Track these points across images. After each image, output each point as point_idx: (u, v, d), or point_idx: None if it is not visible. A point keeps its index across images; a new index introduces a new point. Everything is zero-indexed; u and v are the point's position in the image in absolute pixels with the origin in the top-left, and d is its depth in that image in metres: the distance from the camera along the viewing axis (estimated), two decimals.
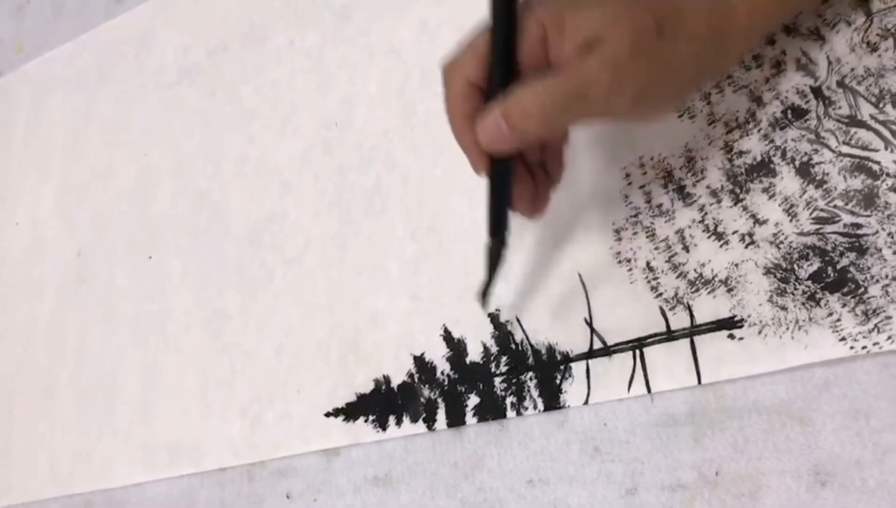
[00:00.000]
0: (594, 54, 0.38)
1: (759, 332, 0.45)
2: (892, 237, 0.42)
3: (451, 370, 0.54)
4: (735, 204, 0.47)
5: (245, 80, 0.71)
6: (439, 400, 0.54)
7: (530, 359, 0.51)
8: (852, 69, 0.45)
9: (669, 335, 0.47)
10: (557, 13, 0.39)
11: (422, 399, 0.54)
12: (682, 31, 0.39)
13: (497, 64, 0.40)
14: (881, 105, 0.44)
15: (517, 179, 0.45)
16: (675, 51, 0.39)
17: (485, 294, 0.49)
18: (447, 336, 0.55)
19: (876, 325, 0.42)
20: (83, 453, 0.68)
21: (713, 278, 0.47)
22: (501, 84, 0.40)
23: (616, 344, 0.48)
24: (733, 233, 0.47)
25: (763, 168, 0.47)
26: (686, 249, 0.48)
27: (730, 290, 0.46)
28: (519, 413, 0.51)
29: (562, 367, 0.50)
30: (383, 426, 0.55)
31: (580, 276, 0.51)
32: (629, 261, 0.49)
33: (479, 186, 0.56)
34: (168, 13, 0.78)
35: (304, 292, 0.62)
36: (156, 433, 0.65)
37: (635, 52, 0.38)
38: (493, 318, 0.53)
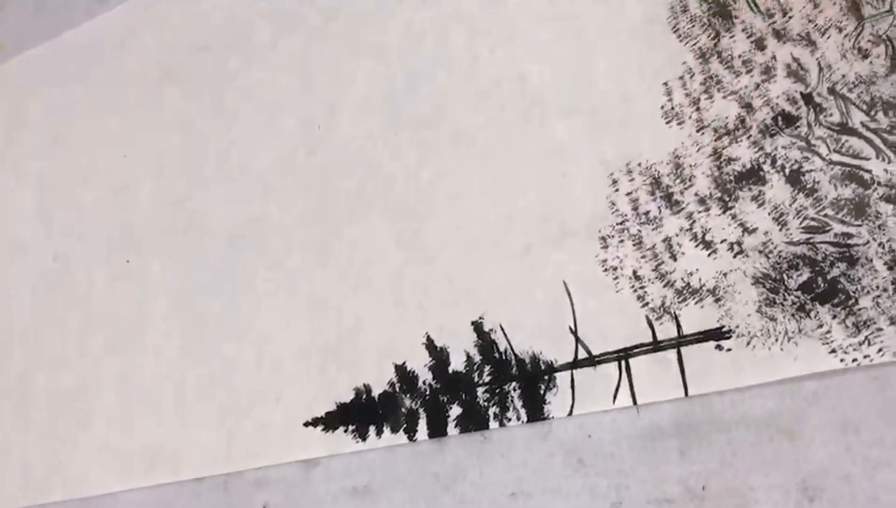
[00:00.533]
0: None
1: (748, 343, 0.44)
2: (884, 248, 0.41)
3: (434, 379, 0.53)
4: (724, 212, 0.46)
5: (227, 80, 0.69)
6: (421, 410, 0.52)
7: (514, 369, 0.50)
8: (843, 76, 0.45)
9: (656, 346, 0.46)
10: None
11: (403, 409, 0.53)
12: None
13: None
14: (873, 112, 0.43)
15: None
16: None
17: None
18: (430, 345, 0.53)
19: (867, 337, 0.41)
20: (57, 461, 0.67)
21: (701, 288, 0.46)
22: None
23: (601, 354, 0.47)
24: (722, 242, 0.46)
25: (752, 176, 0.46)
26: (673, 257, 0.47)
27: (718, 300, 0.45)
28: (502, 424, 0.49)
29: (546, 377, 0.49)
30: (363, 436, 0.54)
31: (565, 284, 0.50)
32: (615, 269, 0.48)
33: (465, 192, 0.55)
34: (150, 12, 0.77)
35: (285, 297, 0.60)
36: (132, 442, 0.63)
37: None
38: (477, 326, 0.52)
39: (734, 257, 0.45)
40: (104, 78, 0.78)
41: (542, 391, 0.49)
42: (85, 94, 0.79)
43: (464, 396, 0.51)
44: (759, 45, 0.47)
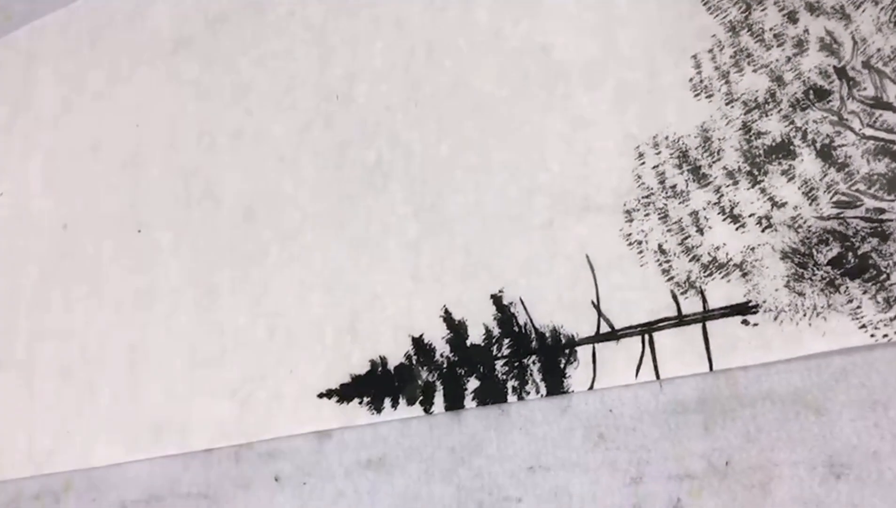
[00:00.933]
0: None
1: (775, 318, 0.43)
2: None
3: (451, 352, 0.52)
4: (752, 186, 0.45)
5: (244, 51, 0.68)
6: (438, 383, 0.52)
7: (534, 342, 0.49)
8: (878, 49, 0.44)
9: (681, 320, 0.45)
10: None
11: (419, 381, 0.52)
12: None
13: None
14: None
15: None
16: None
17: None
18: (447, 318, 0.53)
19: None
20: (63, 431, 0.66)
21: (727, 262, 0.45)
22: None
23: (624, 328, 0.47)
24: (750, 216, 0.45)
25: (782, 150, 0.45)
26: (700, 231, 0.46)
27: (745, 274, 0.44)
28: (520, 398, 0.49)
29: (566, 351, 0.48)
30: (378, 408, 0.53)
31: (588, 257, 0.49)
32: (640, 243, 0.48)
33: (483, 164, 0.54)
34: None
35: (300, 270, 0.60)
36: (140, 412, 0.63)
37: None
38: (497, 299, 0.51)
39: (762, 231, 0.44)
40: (116, 47, 0.77)
41: (562, 365, 0.48)
42: (96, 63, 0.78)
43: (482, 369, 0.51)
44: (792, 18, 0.47)
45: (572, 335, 0.48)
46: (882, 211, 0.42)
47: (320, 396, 0.55)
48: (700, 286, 0.45)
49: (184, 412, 0.61)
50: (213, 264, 0.64)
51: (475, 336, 0.51)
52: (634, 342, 0.46)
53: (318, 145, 0.62)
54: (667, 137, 0.48)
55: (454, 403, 0.51)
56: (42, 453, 0.67)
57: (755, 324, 0.43)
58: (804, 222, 0.44)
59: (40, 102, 0.80)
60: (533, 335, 0.50)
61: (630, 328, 0.47)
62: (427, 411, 0.51)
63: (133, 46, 0.76)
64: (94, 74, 0.77)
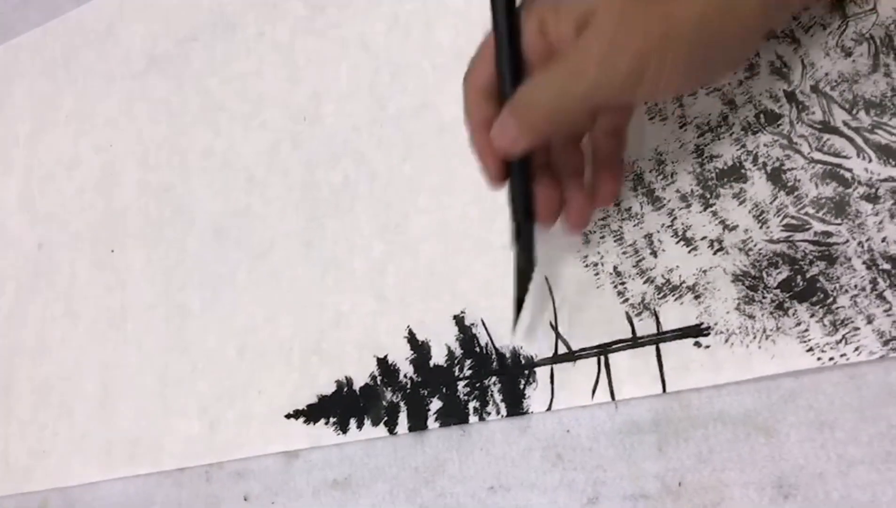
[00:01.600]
0: (586, 29, 0.36)
1: (726, 340, 0.44)
2: (862, 247, 0.42)
3: (415, 372, 0.53)
4: (705, 209, 0.46)
5: (213, 71, 0.69)
6: (401, 403, 0.52)
7: (494, 363, 0.50)
8: (826, 74, 0.45)
9: (635, 342, 0.46)
10: (551, 1, 0.38)
11: (384, 402, 0.53)
12: None
13: (502, 64, 0.39)
14: (854, 111, 0.43)
15: (541, 189, 0.43)
16: (671, 10, 0.35)
17: (518, 306, 0.47)
18: (411, 338, 0.53)
19: (844, 336, 0.41)
20: (39, 450, 0.67)
21: (681, 285, 0.46)
22: (510, 83, 0.39)
23: (581, 350, 0.47)
24: (702, 239, 0.46)
25: (734, 173, 0.46)
26: (654, 254, 0.47)
27: (697, 297, 0.45)
28: (482, 418, 0.49)
29: (526, 372, 0.49)
30: (344, 428, 0.54)
31: (546, 279, 0.50)
32: (596, 265, 0.48)
33: (447, 185, 0.55)
34: (137, 1, 0.76)
35: (269, 289, 0.60)
36: (114, 431, 0.63)
37: (625, 17, 0.35)
38: (459, 320, 0.52)
39: (714, 253, 0.45)
40: (90, 67, 0.78)
41: (521, 386, 0.49)
42: (70, 82, 0.78)
43: (444, 390, 0.51)
44: None
45: (532, 357, 0.49)
46: (829, 234, 0.43)
47: (288, 416, 0.56)
48: (654, 308, 0.46)
49: (156, 431, 0.61)
50: (184, 283, 0.64)
51: (438, 357, 0.52)
52: (591, 364, 0.47)
53: (286, 165, 0.62)
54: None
55: (417, 424, 0.51)
56: (18, 471, 0.67)
57: (707, 346, 0.44)
58: (754, 245, 0.44)
59: (15, 121, 0.81)
60: (494, 356, 0.50)
61: (587, 349, 0.47)
62: (391, 431, 0.52)
63: (106, 66, 0.76)
64: (68, 94, 0.78)
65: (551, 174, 0.44)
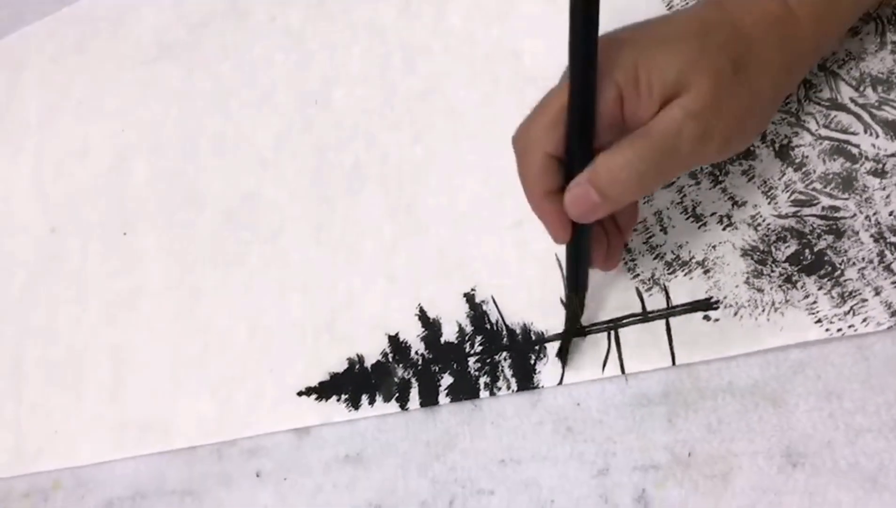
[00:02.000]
0: (676, 108, 0.36)
1: (735, 314, 0.44)
2: (870, 221, 0.42)
3: (426, 349, 0.53)
4: (714, 186, 0.47)
5: (225, 56, 0.70)
6: (413, 380, 0.53)
7: (505, 339, 0.51)
8: (834, 53, 0.45)
9: (645, 316, 0.47)
10: (631, 70, 0.37)
11: (395, 379, 0.54)
12: (756, 63, 0.38)
13: (576, 133, 0.38)
14: (861, 88, 0.44)
15: (594, 239, 0.43)
16: (751, 85, 0.38)
17: (566, 350, 0.48)
18: (422, 316, 0.54)
19: (851, 307, 0.42)
20: (51, 430, 0.67)
21: (690, 260, 0.46)
22: (582, 153, 0.38)
23: (591, 325, 0.48)
24: (711, 215, 0.46)
25: (743, 150, 0.46)
26: (664, 230, 0.48)
27: (706, 271, 0.46)
28: (492, 393, 0.50)
29: (536, 347, 0.50)
30: (356, 405, 0.54)
31: (557, 257, 0.50)
32: None
33: (457, 166, 0.55)
34: None
35: (280, 271, 0.61)
36: (125, 411, 0.64)
37: (716, 96, 0.36)
38: (469, 298, 0.53)
39: (723, 229, 0.46)
40: (101, 54, 0.78)
41: (532, 361, 0.49)
42: (82, 69, 0.79)
43: (455, 366, 0.52)
44: None
45: (542, 332, 0.50)
46: (837, 209, 0.43)
47: (299, 394, 0.57)
48: (664, 283, 0.47)
49: (167, 410, 0.62)
50: (196, 266, 0.65)
51: (449, 334, 0.53)
52: (601, 338, 0.48)
53: (297, 149, 0.63)
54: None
55: (429, 399, 0.52)
56: (30, 452, 0.68)
57: (716, 320, 0.45)
58: (763, 221, 0.45)
59: (27, 107, 0.82)
60: (504, 333, 0.51)
61: (597, 324, 0.48)
62: (403, 407, 0.53)
63: (117, 53, 0.77)
64: (80, 80, 0.79)
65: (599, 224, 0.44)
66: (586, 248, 0.43)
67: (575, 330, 0.48)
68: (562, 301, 0.49)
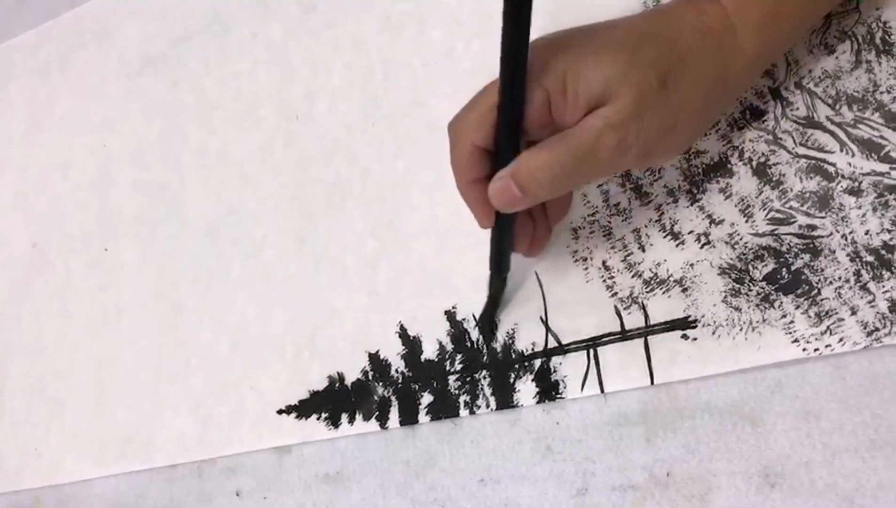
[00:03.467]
0: (597, 117, 0.38)
1: (713, 332, 0.44)
2: (846, 239, 0.42)
3: (406, 367, 0.53)
4: (692, 204, 0.47)
5: (208, 71, 0.70)
6: (393, 398, 0.53)
7: (485, 357, 0.51)
8: (810, 71, 0.45)
9: (624, 335, 0.47)
10: (560, 77, 0.38)
11: (375, 397, 0.53)
12: (688, 76, 0.39)
13: (503, 131, 0.40)
14: (837, 107, 0.44)
15: (519, 225, 0.45)
16: (680, 99, 0.39)
17: (489, 326, 0.51)
18: (403, 334, 0.54)
19: (828, 327, 0.42)
20: (32, 448, 0.67)
21: (668, 278, 0.46)
22: (507, 150, 0.40)
23: (571, 343, 0.48)
24: (689, 233, 0.46)
25: (720, 168, 0.46)
26: (642, 248, 0.48)
27: (684, 290, 0.46)
28: (472, 412, 0.50)
29: (516, 366, 0.49)
30: (336, 423, 0.54)
31: (537, 274, 0.50)
32: (585, 260, 0.49)
33: (439, 182, 0.55)
34: (132, 2, 0.77)
35: (262, 286, 0.61)
36: (107, 429, 0.64)
37: (639, 110, 0.38)
38: (450, 315, 0.53)
39: (701, 247, 0.46)
40: (85, 68, 0.78)
41: (511, 380, 0.49)
42: (65, 83, 0.79)
43: (435, 384, 0.52)
44: None
45: (522, 351, 0.49)
46: (814, 227, 0.43)
47: (280, 412, 0.56)
48: (642, 302, 0.47)
49: (149, 427, 0.62)
50: (178, 281, 0.65)
51: (429, 352, 0.53)
52: (580, 357, 0.47)
53: (279, 164, 0.63)
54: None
55: (408, 418, 0.52)
56: (10, 469, 0.67)
57: (694, 338, 0.45)
58: (740, 239, 0.45)
59: (11, 120, 0.81)
60: (484, 351, 0.51)
61: (576, 342, 0.48)
62: (383, 426, 0.52)
63: (101, 67, 0.77)
64: (63, 94, 0.78)
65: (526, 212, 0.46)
66: (509, 234, 0.45)
67: (494, 309, 0.50)
68: (488, 290, 0.50)
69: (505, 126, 0.40)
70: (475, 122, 0.41)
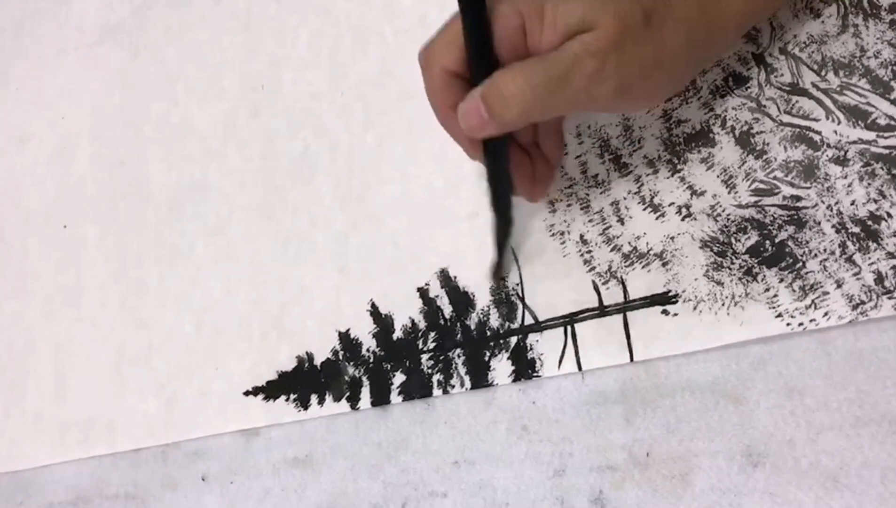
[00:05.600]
0: (576, 42, 0.36)
1: (695, 308, 0.43)
2: (831, 210, 0.41)
3: (378, 346, 0.51)
4: (672, 175, 0.45)
5: (169, 40, 0.67)
6: (364, 378, 0.51)
7: (459, 335, 0.49)
8: (795, 35, 0.44)
9: (602, 311, 0.45)
10: (536, 2, 0.37)
11: (346, 378, 0.51)
12: (672, 18, 0.37)
13: (472, 53, 0.39)
14: (823, 73, 0.42)
15: (514, 162, 0.43)
16: (663, 39, 0.37)
17: (497, 273, 0.48)
18: (374, 312, 0.52)
19: (813, 301, 0.40)
20: None
21: (648, 252, 0.45)
22: (479, 72, 0.39)
23: (547, 320, 0.46)
24: (670, 205, 0.45)
25: (702, 137, 0.45)
26: (621, 221, 0.46)
27: (665, 264, 0.44)
28: (446, 392, 0.48)
29: (491, 343, 0.48)
30: (305, 405, 0.52)
31: (513, 249, 0.48)
32: (563, 234, 0.47)
33: (410, 154, 0.53)
34: None
35: (227, 264, 0.58)
36: (67, 412, 0.61)
37: (620, 41, 0.36)
38: (423, 293, 0.51)
39: (682, 220, 0.44)
40: (41, 38, 0.75)
41: (486, 358, 0.47)
42: (20, 54, 0.76)
43: (408, 363, 0.50)
44: None
45: (497, 328, 0.48)
46: (798, 198, 0.42)
47: (247, 394, 0.54)
48: (621, 276, 0.45)
49: (111, 411, 0.59)
50: (140, 259, 0.62)
51: (401, 330, 0.51)
52: (557, 334, 0.46)
53: (244, 136, 0.61)
54: (589, 127, 0.48)
55: (380, 398, 0.50)
56: None
57: (675, 314, 0.43)
58: (723, 211, 0.43)
59: None
60: (458, 328, 0.49)
61: (553, 319, 0.46)
62: (353, 407, 0.51)
63: (58, 36, 0.74)
64: (19, 65, 0.75)
65: (521, 148, 0.44)
66: (502, 168, 0.43)
67: (503, 256, 0.48)
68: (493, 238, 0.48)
69: (472, 46, 0.38)
70: (444, 45, 0.40)
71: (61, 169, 0.69)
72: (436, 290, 0.50)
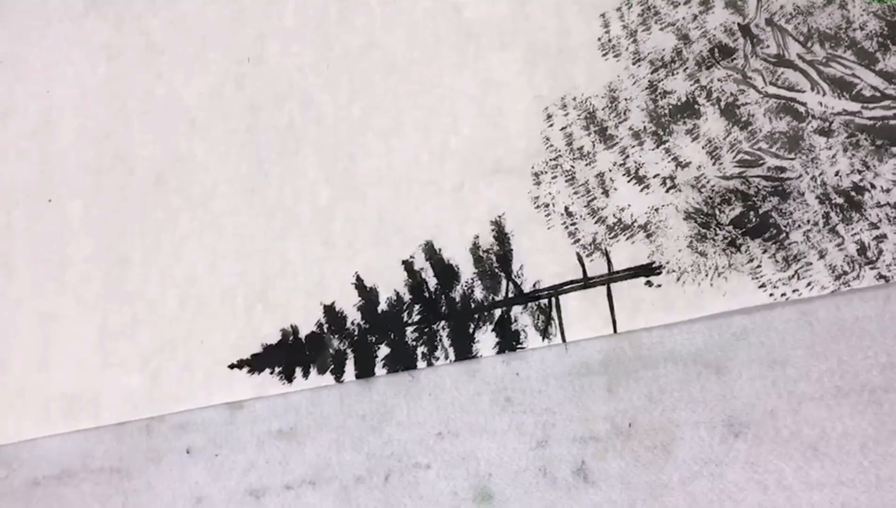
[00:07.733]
0: None
1: (678, 279, 0.43)
2: (816, 181, 0.41)
3: (362, 319, 0.51)
4: (658, 146, 0.45)
5: (154, 12, 0.66)
6: (349, 351, 0.51)
7: (444, 308, 0.49)
8: (781, 6, 0.43)
9: (586, 283, 0.45)
10: None
11: (330, 350, 0.51)
12: None
13: None
14: (809, 44, 0.42)
15: None
16: None
17: None
18: (359, 285, 0.52)
19: (796, 271, 0.40)
20: None
21: (632, 224, 0.45)
22: None
23: (532, 292, 0.46)
24: (654, 176, 0.45)
25: (687, 109, 0.45)
26: (606, 193, 0.46)
27: (649, 235, 0.44)
28: (430, 364, 0.48)
29: (476, 316, 0.48)
30: (289, 377, 0.52)
31: (498, 221, 0.48)
32: (548, 206, 0.47)
33: (396, 127, 0.53)
34: None
35: (211, 237, 0.58)
36: (51, 386, 0.61)
37: None
38: (408, 265, 0.51)
39: (667, 191, 0.44)
40: (25, 9, 0.74)
41: (471, 330, 0.47)
42: (4, 26, 0.75)
43: (392, 336, 0.50)
44: None
45: (481, 300, 0.48)
46: (783, 169, 0.42)
47: (231, 367, 0.54)
48: (605, 248, 0.45)
49: (95, 385, 0.59)
50: (124, 232, 0.62)
51: (386, 303, 0.51)
52: (541, 306, 0.46)
53: (229, 108, 0.60)
54: (574, 98, 0.48)
55: (365, 371, 0.50)
56: None
57: (658, 285, 0.43)
58: (707, 182, 0.43)
59: None
60: (443, 301, 0.49)
61: (537, 291, 0.46)
62: (338, 379, 0.51)
63: (42, 9, 0.73)
64: (2, 38, 0.74)
65: None
66: None
67: None
68: None
69: None
70: None
71: (45, 143, 0.68)
72: (420, 262, 0.50)
